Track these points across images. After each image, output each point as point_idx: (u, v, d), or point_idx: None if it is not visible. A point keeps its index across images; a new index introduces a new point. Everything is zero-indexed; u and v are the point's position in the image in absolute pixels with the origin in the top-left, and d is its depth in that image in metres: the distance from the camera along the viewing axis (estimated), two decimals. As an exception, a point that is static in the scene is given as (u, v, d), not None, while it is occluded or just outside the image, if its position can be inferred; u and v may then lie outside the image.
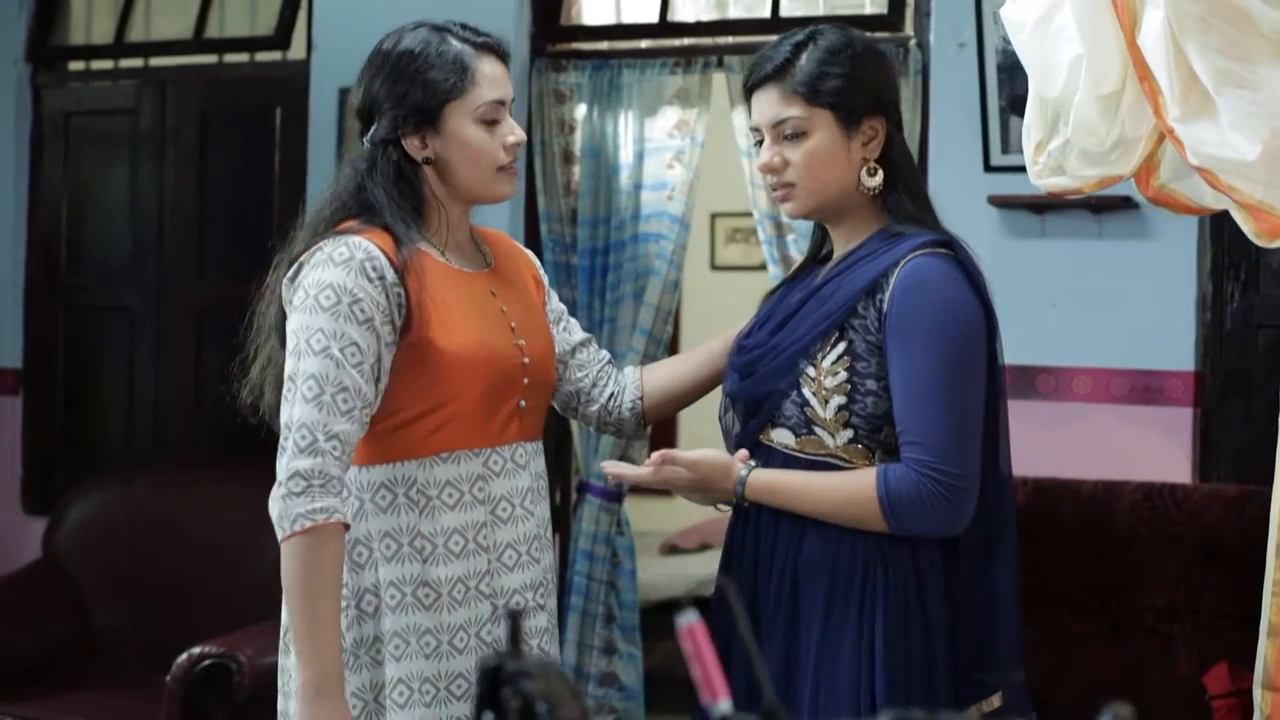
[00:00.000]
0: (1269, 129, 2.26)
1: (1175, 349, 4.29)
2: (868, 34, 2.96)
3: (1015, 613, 2.48)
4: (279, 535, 2.43)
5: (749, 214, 7.55)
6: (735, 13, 4.98)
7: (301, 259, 2.52)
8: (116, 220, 5.63)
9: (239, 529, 4.84)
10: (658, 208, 4.84)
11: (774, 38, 4.72)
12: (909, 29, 4.55)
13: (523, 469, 2.60)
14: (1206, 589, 4.02)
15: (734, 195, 6.03)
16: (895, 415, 2.38)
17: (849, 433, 2.41)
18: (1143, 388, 4.30)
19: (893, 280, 2.39)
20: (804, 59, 2.47)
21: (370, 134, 2.58)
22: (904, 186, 2.49)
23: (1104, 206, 4.26)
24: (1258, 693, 2.51)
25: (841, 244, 2.54)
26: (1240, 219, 2.37)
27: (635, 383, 2.80)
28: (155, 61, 5.61)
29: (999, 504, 2.42)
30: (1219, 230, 4.26)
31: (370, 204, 2.55)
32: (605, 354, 2.85)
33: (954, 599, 2.42)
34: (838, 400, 2.41)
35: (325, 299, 2.44)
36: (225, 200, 5.48)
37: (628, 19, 5.07)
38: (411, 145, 2.56)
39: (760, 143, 2.52)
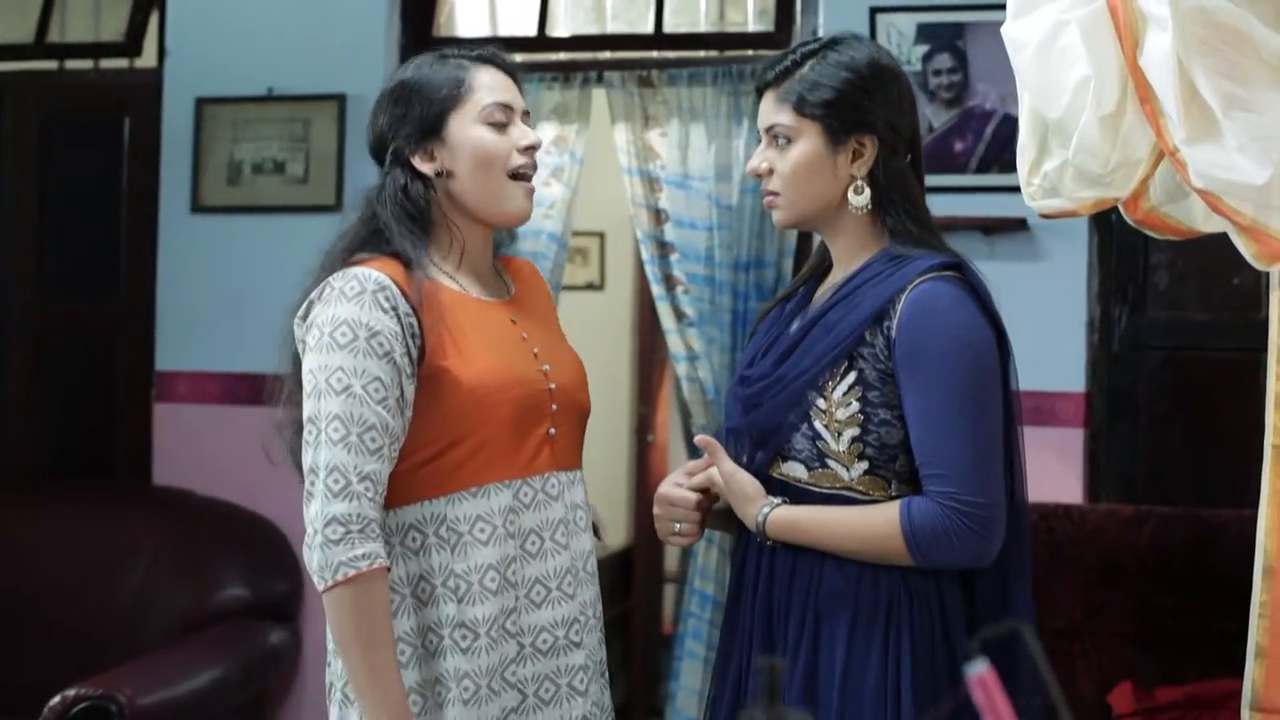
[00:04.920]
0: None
1: (1066, 370, 4.34)
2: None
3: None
4: (319, 586, 2.29)
5: (579, 233, 7.59)
6: (615, 27, 4.91)
7: (311, 296, 2.41)
8: (-54, 235, 5.30)
9: (91, 557, 4.61)
10: (535, 225, 4.73)
11: (654, 54, 4.78)
12: (796, 48, 4.52)
13: (555, 500, 2.47)
14: (1105, 609, 4.06)
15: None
16: (914, 447, 2.31)
17: (864, 464, 2.34)
18: (1034, 409, 4.30)
19: (900, 306, 2.31)
20: (806, 68, 2.42)
21: (385, 164, 2.50)
22: (902, 208, 2.42)
23: (995, 228, 4.28)
24: (1246, 714, 2.50)
25: (843, 264, 2.47)
26: (1240, 242, 2.35)
27: None
28: (-10, 67, 5.33)
29: (1016, 532, 2.36)
30: (1107, 253, 4.32)
31: (380, 230, 2.45)
32: None
33: (974, 628, 2.37)
34: (851, 432, 2.33)
35: (341, 335, 2.33)
36: (68, 214, 5.20)
37: (504, 31, 4.97)
38: (420, 161, 2.47)
39: None
